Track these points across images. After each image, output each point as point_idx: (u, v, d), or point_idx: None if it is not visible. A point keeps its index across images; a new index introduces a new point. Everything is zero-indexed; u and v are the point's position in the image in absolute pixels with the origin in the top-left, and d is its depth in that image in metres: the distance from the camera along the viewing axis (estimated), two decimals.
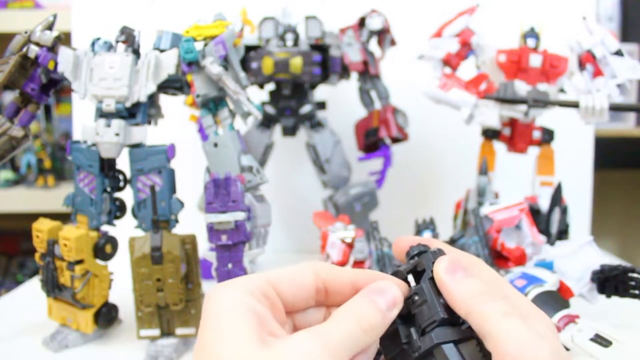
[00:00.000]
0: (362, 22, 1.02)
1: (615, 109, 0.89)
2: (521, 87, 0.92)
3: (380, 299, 0.35)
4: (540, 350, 0.31)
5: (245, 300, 0.33)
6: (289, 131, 1.05)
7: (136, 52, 0.77)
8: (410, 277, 0.38)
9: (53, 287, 0.76)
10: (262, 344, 0.31)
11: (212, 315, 0.33)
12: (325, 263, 0.38)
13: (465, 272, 0.35)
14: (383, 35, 1.02)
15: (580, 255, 0.75)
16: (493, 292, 0.34)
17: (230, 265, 0.72)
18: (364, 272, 0.38)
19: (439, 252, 0.37)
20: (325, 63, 1.01)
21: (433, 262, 0.36)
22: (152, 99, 0.78)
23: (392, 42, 1.04)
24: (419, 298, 0.36)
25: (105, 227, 0.79)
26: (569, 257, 0.75)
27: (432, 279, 0.36)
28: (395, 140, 1.02)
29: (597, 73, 0.90)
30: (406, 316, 0.37)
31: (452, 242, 0.83)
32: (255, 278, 0.35)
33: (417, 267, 0.38)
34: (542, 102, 0.90)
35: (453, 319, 0.35)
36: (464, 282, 0.35)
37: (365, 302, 0.35)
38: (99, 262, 0.77)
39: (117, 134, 0.74)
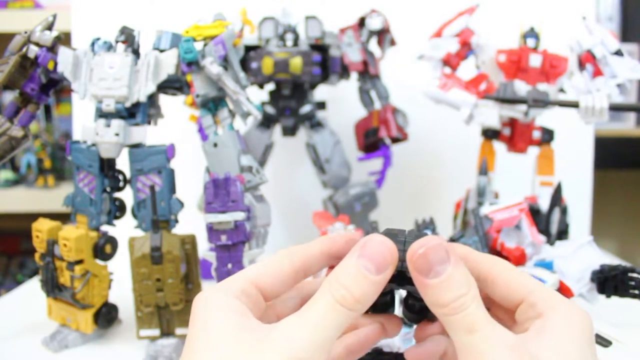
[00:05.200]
0: (362, 22, 1.02)
1: (615, 109, 0.89)
2: (521, 87, 0.92)
3: (367, 261, 0.33)
4: None
5: (227, 301, 0.35)
6: (289, 131, 1.05)
7: (136, 52, 0.77)
8: None
9: (53, 287, 0.76)
10: (244, 331, 0.32)
11: (196, 316, 0.35)
12: (298, 245, 0.39)
13: (437, 269, 0.32)
14: (383, 35, 1.02)
15: (580, 255, 0.75)
16: (462, 300, 0.32)
17: (230, 266, 0.72)
18: (329, 238, 0.39)
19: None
20: (325, 63, 1.01)
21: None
22: (152, 99, 0.78)
23: (392, 42, 1.04)
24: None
25: (105, 227, 0.79)
26: (568, 257, 0.75)
27: None
28: (395, 140, 1.02)
29: (597, 73, 0.90)
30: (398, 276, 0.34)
31: (452, 242, 0.84)
32: (237, 279, 0.37)
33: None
34: (542, 102, 0.90)
35: None
36: (434, 288, 0.32)
37: (351, 269, 0.33)
38: (99, 262, 0.77)
39: (116, 134, 0.74)
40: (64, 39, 0.77)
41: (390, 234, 0.35)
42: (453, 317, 0.31)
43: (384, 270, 0.33)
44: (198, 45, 0.75)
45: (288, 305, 0.41)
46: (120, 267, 0.79)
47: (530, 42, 0.94)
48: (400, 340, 0.61)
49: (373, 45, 1.03)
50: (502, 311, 0.38)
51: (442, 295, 0.32)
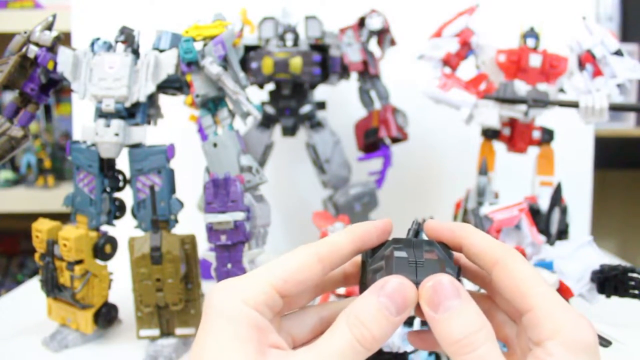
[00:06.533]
0: (362, 22, 1.02)
1: (615, 109, 0.89)
2: (521, 87, 0.92)
3: (389, 302, 0.32)
4: None
5: (245, 312, 0.32)
6: (289, 131, 1.05)
7: (136, 52, 0.77)
8: None
9: (53, 287, 0.76)
10: None
11: (211, 326, 0.32)
12: (326, 244, 0.36)
13: (447, 303, 0.32)
14: (383, 35, 1.02)
15: (580, 255, 0.75)
16: (472, 338, 0.31)
17: (229, 266, 0.72)
18: (360, 231, 0.37)
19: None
20: (325, 63, 1.01)
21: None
22: (152, 99, 0.78)
23: (392, 42, 1.04)
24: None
25: (105, 227, 0.79)
26: (568, 257, 0.75)
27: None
28: (395, 140, 1.02)
29: (597, 73, 0.90)
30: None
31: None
32: (257, 284, 0.34)
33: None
34: (542, 102, 0.90)
35: None
36: (444, 322, 0.32)
37: (371, 308, 0.32)
38: (99, 262, 0.77)
39: (116, 134, 0.74)
40: (64, 39, 0.77)
41: (403, 262, 0.35)
42: (464, 357, 0.30)
43: (404, 311, 0.33)
44: (198, 45, 0.75)
45: (302, 298, 0.39)
46: (120, 267, 0.79)
47: (530, 42, 0.94)
48: (400, 340, 0.61)
49: (373, 45, 1.03)
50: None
51: (451, 331, 0.31)
